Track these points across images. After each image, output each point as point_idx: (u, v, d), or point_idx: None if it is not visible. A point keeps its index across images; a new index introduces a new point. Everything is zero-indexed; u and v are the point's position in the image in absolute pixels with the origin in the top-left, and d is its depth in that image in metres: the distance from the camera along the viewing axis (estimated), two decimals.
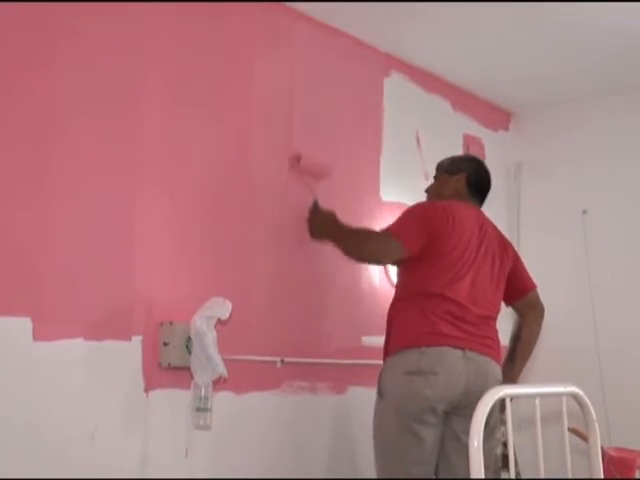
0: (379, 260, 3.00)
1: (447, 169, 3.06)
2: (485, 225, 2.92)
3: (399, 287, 2.91)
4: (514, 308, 3.04)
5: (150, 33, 2.72)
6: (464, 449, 2.46)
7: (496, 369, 2.76)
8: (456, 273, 2.75)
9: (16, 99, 2.36)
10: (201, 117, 2.86)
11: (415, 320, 2.73)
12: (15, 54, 2.36)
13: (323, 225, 3.04)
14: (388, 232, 2.80)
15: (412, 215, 2.84)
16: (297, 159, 3.14)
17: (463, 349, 2.68)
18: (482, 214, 2.97)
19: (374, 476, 3.10)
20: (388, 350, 2.80)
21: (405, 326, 2.76)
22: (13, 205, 2.32)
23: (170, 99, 2.77)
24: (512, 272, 2.96)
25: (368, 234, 2.94)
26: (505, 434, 2.10)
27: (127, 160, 2.62)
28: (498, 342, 2.84)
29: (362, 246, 2.86)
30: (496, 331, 2.85)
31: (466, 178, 3.00)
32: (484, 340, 2.75)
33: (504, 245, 2.96)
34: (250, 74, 3.07)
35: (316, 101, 3.35)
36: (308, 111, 3.30)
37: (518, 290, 2.98)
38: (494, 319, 2.86)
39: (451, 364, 2.65)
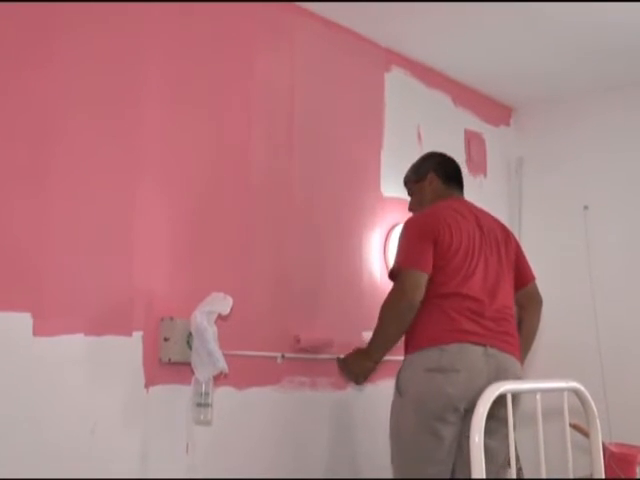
0: (414, 299, 2.67)
1: (415, 179, 3.04)
2: (481, 217, 2.90)
3: None
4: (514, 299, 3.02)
5: (150, 31, 2.71)
6: (484, 449, 2.43)
7: (516, 366, 2.73)
8: (466, 271, 2.72)
9: (15, 97, 2.35)
10: (201, 114, 2.86)
11: (435, 318, 2.69)
12: (14, 52, 2.35)
13: (361, 366, 2.89)
14: (400, 271, 2.72)
15: (410, 235, 2.78)
16: (297, 340, 3.10)
17: (484, 346, 2.65)
18: (472, 206, 2.95)
19: (375, 473, 3.11)
20: (408, 350, 2.77)
21: (425, 325, 2.71)
22: (13, 201, 2.31)
23: (170, 97, 2.76)
24: (516, 262, 2.94)
25: (387, 301, 2.76)
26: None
27: (127, 156, 2.61)
28: (517, 338, 2.81)
29: (394, 312, 2.72)
30: (515, 326, 2.82)
31: (436, 175, 2.97)
32: (504, 337, 2.72)
33: (506, 233, 2.94)
34: (251, 70, 3.06)
35: (317, 97, 3.34)
36: (309, 107, 3.29)
37: (519, 281, 2.95)
38: (511, 309, 2.83)
39: (472, 361, 2.62)
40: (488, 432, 2.27)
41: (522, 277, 2.97)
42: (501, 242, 2.88)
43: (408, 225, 2.84)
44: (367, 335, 3.39)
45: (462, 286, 2.71)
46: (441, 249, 2.71)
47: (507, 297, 2.82)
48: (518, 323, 2.98)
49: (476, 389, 2.56)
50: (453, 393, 2.59)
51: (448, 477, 2.68)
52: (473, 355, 2.63)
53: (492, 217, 2.97)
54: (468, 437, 2.59)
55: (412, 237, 2.77)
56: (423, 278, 2.68)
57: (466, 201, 2.97)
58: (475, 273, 2.74)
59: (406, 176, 3.10)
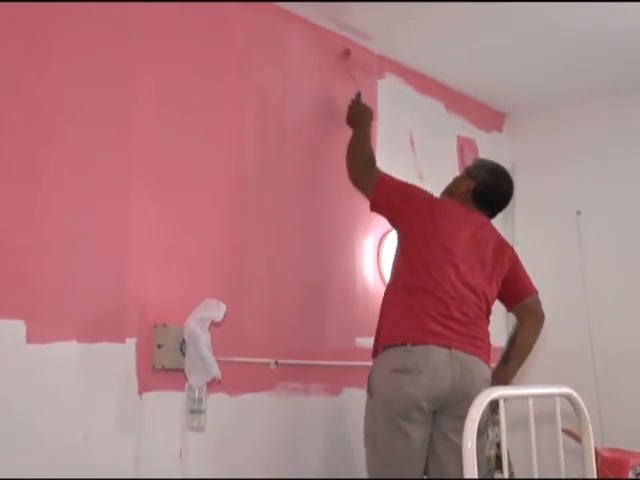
0: (353, 180, 3.18)
1: (469, 169, 3.12)
2: (483, 227, 2.93)
3: (390, 279, 2.94)
4: (514, 312, 3.03)
5: (145, 36, 2.72)
6: (452, 447, 2.48)
7: (483, 368, 2.75)
8: (440, 268, 2.76)
9: (8, 102, 2.35)
10: (194, 119, 2.86)
11: (402, 317, 2.75)
12: (11, 55, 2.36)
13: (355, 117, 3.29)
14: (377, 174, 3.04)
15: (409, 185, 3.00)
16: (347, 53, 3.44)
17: (449, 348, 2.68)
18: (482, 218, 2.98)
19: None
20: (377, 348, 2.82)
21: (392, 323, 2.78)
22: (5, 208, 2.32)
23: (163, 102, 2.76)
24: (510, 275, 2.95)
25: (363, 156, 3.14)
26: (499, 435, 2.11)
27: (120, 163, 2.62)
28: (488, 344, 2.84)
29: (351, 158, 3.16)
30: (487, 333, 2.86)
31: (474, 187, 3.00)
32: (473, 340, 2.75)
33: (501, 247, 2.96)
34: (243, 76, 3.07)
35: (310, 103, 3.35)
36: (302, 113, 3.30)
37: (516, 294, 2.97)
38: (484, 320, 2.86)
39: (436, 363, 2.66)
40: (458, 431, 2.28)
41: (520, 290, 2.98)
42: (493, 255, 2.90)
43: (418, 187, 3.04)
44: (361, 341, 3.41)
45: (432, 282, 2.74)
46: (419, 229, 2.83)
47: (482, 307, 2.84)
48: (514, 335, 2.99)
49: (440, 390, 2.65)
50: (415, 393, 2.63)
51: (419, 475, 2.71)
52: (438, 357, 2.66)
53: (494, 229, 3.01)
54: (442, 437, 2.67)
55: (406, 185, 3.01)
56: (369, 194, 3.03)
57: (478, 214, 2.99)
58: (450, 275, 2.76)
59: (475, 159, 3.33)
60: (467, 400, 2.01)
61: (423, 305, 2.72)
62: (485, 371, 2.76)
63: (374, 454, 2.75)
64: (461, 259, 2.80)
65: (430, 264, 2.77)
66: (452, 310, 2.73)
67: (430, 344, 2.67)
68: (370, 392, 2.76)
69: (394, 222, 3.00)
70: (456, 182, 3.10)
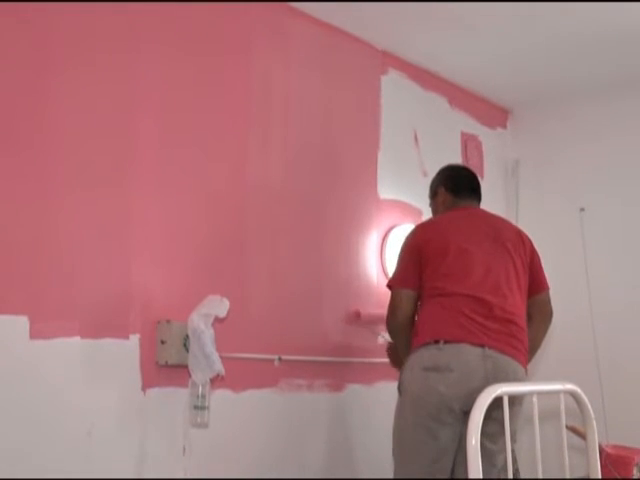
0: (402, 317, 2.82)
1: (430, 195, 3.10)
2: (493, 223, 2.92)
3: (424, 289, 2.86)
4: None
5: (147, 33, 2.71)
6: (482, 451, 2.44)
7: (517, 369, 2.68)
8: (462, 271, 2.73)
9: (17, 100, 2.35)
10: (197, 117, 2.86)
11: (435, 315, 2.71)
12: (14, 61, 2.36)
13: (397, 360, 2.99)
14: (389, 289, 2.89)
15: (400, 253, 2.91)
16: (357, 315, 3.37)
17: (482, 346, 2.63)
18: (484, 213, 2.97)
19: (372, 474, 3.12)
20: (412, 348, 2.77)
21: (426, 322, 2.74)
22: (10, 204, 2.31)
23: (166, 100, 2.76)
24: (529, 269, 2.93)
25: (386, 318, 2.90)
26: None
27: (125, 160, 2.61)
28: (525, 342, 2.76)
29: (390, 328, 2.89)
30: (525, 332, 2.77)
31: (445, 189, 3.00)
32: (509, 339, 2.69)
33: (521, 240, 2.93)
34: (247, 73, 3.06)
35: (314, 99, 3.34)
36: (306, 109, 3.30)
37: (530, 289, 2.94)
38: (520, 315, 2.79)
39: (467, 361, 2.61)
40: (490, 435, 2.25)
41: (534, 285, 2.93)
42: (514, 248, 2.86)
43: (402, 243, 2.94)
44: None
45: (459, 285, 2.71)
46: (429, 255, 2.78)
47: (517, 301, 2.79)
48: None
49: (471, 390, 2.53)
50: (445, 392, 2.59)
51: (445, 477, 2.68)
52: (469, 355, 2.62)
53: (507, 224, 3.00)
54: None
55: (401, 255, 2.91)
56: (409, 295, 2.82)
57: (476, 209, 2.99)
58: (473, 273, 2.73)
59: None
60: (499, 401, 1.98)
61: (457, 304, 2.68)
62: (519, 371, 2.68)
63: (401, 453, 2.72)
64: (485, 259, 2.77)
65: (455, 271, 2.74)
66: (491, 308, 2.69)
67: (462, 342, 2.63)
68: (400, 391, 2.72)
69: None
70: (434, 208, 3.09)
